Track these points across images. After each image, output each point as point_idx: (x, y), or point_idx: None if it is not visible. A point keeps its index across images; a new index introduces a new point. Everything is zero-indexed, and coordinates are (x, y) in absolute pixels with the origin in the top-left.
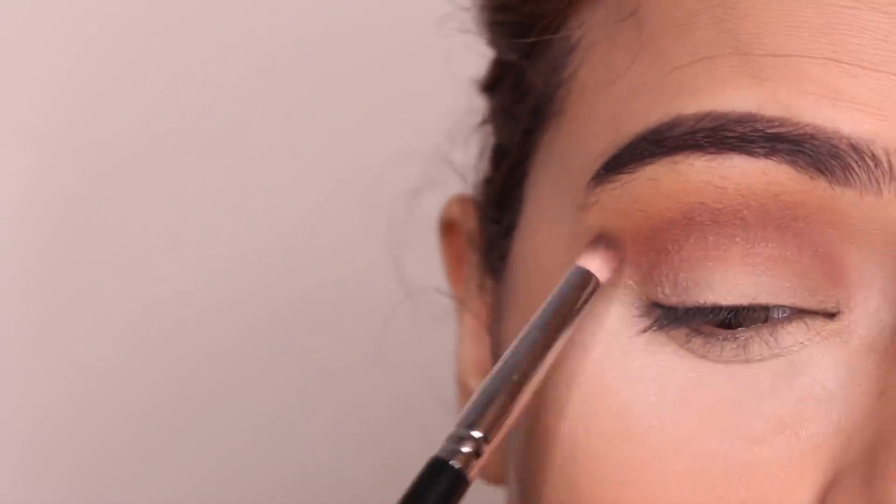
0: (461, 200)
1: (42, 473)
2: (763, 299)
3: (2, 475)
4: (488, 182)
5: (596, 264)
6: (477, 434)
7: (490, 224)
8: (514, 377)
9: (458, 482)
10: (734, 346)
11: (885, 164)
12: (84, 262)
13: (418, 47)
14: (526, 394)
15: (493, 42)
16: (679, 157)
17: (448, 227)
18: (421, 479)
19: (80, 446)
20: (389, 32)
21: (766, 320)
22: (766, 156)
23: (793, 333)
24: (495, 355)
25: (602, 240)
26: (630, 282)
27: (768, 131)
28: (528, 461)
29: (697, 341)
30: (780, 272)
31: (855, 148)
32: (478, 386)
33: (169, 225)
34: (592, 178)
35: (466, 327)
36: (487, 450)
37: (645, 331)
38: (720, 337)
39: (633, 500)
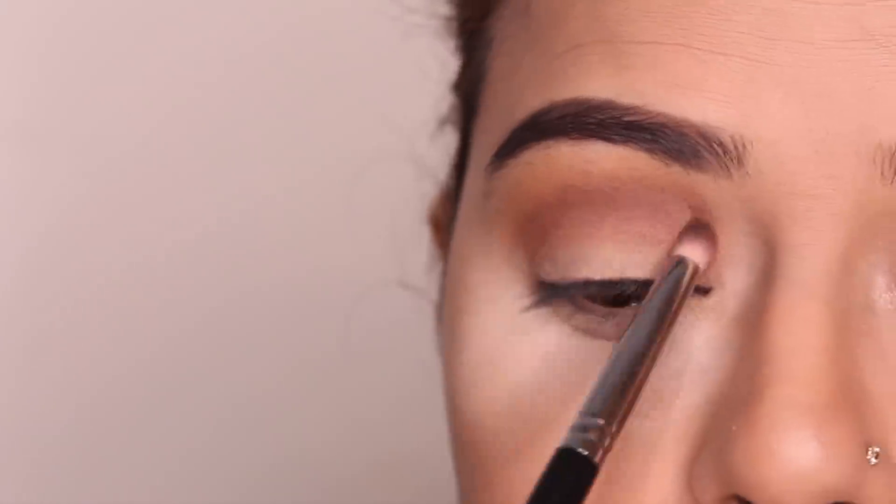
0: (443, 196)
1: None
2: (632, 273)
3: None
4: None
5: (697, 253)
6: (601, 421)
7: (452, 220)
8: (635, 367)
9: (588, 469)
10: (613, 322)
11: (733, 150)
12: (69, 259)
13: (397, 45)
14: (643, 382)
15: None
16: (550, 142)
17: (435, 224)
18: (552, 469)
19: (43, 438)
20: (370, 30)
21: (641, 298)
22: (624, 143)
23: None
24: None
25: (702, 226)
26: (520, 261)
27: (624, 119)
28: (452, 440)
29: (580, 318)
30: (651, 249)
31: (703, 136)
32: None
33: (146, 217)
34: (488, 165)
35: None
36: (614, 439)
37: (531, 307)
38: (599, 313)
39: (527, 473)
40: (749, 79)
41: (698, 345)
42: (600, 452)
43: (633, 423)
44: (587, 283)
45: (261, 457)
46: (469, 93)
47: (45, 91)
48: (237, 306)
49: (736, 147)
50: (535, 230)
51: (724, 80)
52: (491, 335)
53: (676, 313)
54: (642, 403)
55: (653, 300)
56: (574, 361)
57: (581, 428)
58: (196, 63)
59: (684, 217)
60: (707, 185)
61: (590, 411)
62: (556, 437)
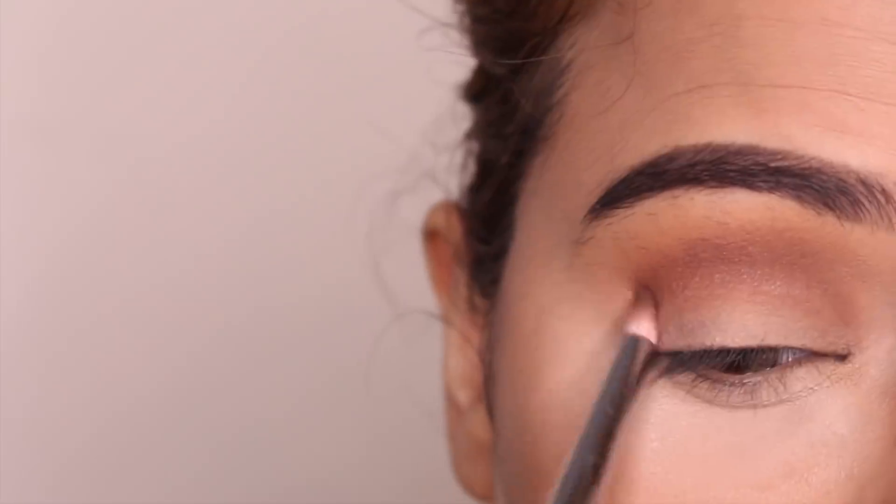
0: (446, 209)
1: (26, 472)
2: (772, 340)
3: None
4: (474, 194)
5: (645, 327)
6: None
7: (478, 243)
8: (590, 458)
9: None
10: (741, 391)
11: None
12: (80, 263)
13: (399, 51)
14: (606, 472)
15: (477, 54)
16: (679, 191)
17: (432, 236)
18: None
19: (65, 446)
20: (371, 38)
21: (774, 364)
22: (770, 190)
23: (802, 378)
24: (487, 384)
25: (643, 298)
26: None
27: (771, 164)
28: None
29: (704, 386)
30: (790, 312)
31: (864, 182)
32: (466, 399)
33: (152, 230)
34: (588, 213)
35: (453, 339)
36: None
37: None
38: (727, 382)
39: None
40: None
41: (834, 415)
42: None
43: (755, 496)
44: (723, 352)
45: (279, 471)
46: (530, 120)
47: (63, 93)
48: (257, 320)
49: None
50: (654, 288)
51: (885, 127)
52: (590, 396)
53: (631, 397)
54: (766, 475)
55: (606, 387)
56: (693, 432)
57: None
58: (191, 76)
59: (827, 274)
60: (861, 237)
61: None
62: None
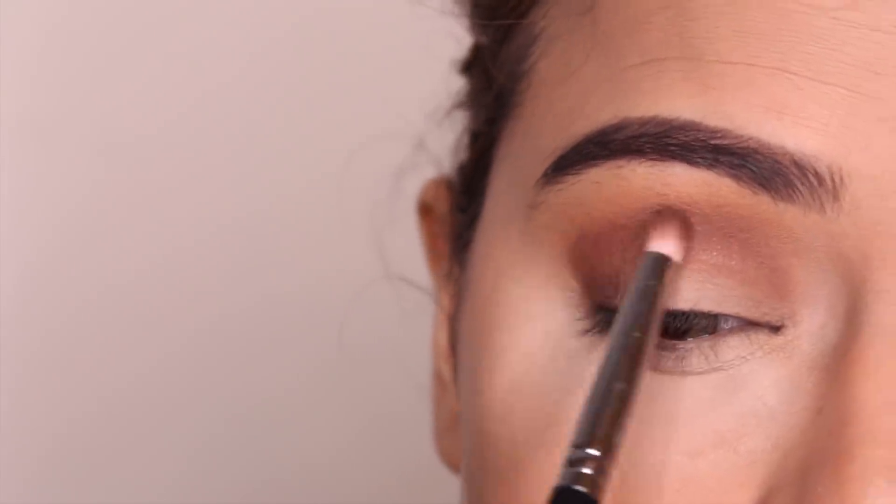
0: (436, 183)
1: (5, 470)
2: (705, 306)
3: None
4: (461, 168)
5: (670, 245)
6: (594, 452)
7: (459, 213)
8: (619, 385)
9: None
10: (674, 356)
11: (829, 182)
12: (71, 256)
13: (399, 27)
14: (634, 399)
15: (469, 24)
16: (622, 162)
17: (424, 211)
18: None
19: (48, 442)
20: (370, 13)
21: (713, 331)
22: (709, 167)
23: (735, 347)
24: (452, 347)
25: (673, 218)
26: (575, 283)
27: (711, 142)
28: (473, 463)
29: None
30: (725, 280)
31: (798, 165)
32: (449, 373)
33: (144, 212)
34: (541, 177)
35: (441, 313)
36: (611, 467)
37: (586, 332)
38: (660, 347)
39: None
40: (851, 110)
41: (766, 385)
42: (600, 487)
43: (685, 462)
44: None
45: (265, 463)
46: (504, 88)
47: (53, 89)
48: (243, 311)
49: (833, 179)
50: (594, 250)
51: (823, 108)
52: (533, 356)
53: (657, 318)
54: (696, 442)
55: (632, 305)
56: None
57: (574, 461)
58: (192, 51)
59: (763, 248)
60: (795, 216)
61: (582, 442)
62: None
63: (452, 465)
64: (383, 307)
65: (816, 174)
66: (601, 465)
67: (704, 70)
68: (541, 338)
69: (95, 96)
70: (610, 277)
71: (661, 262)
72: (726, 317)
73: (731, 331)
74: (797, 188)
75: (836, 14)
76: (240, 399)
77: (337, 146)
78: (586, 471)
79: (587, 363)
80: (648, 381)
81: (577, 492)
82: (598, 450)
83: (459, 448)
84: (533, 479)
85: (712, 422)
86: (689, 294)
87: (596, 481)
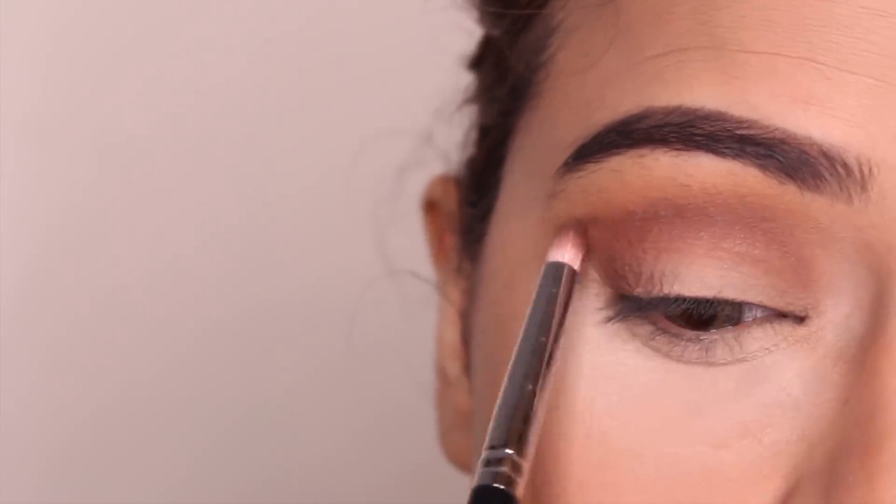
0: (443, 180)
1: (10, 471)
2: (729, 294)
3: None
4: (470, 163)
5: (568, 254)
6: (509, 451)
7: (469, 207)
8: (529, 386)
9: (509, 502)
10: (698, 347)
11: (857, 173)
12: (72, 257)
13: (406, 23)
14: (543, 400)
15: (480, 16)
16: (645, 151)
17: (430, 208)
18: None
19: (54, 442)
20: (376, 8)
21: (736, 322)
22: (734, 157)
23: (759, 339)
24: (465, 342)
25: (569, 229)
26: (594, 273)
27: (737, 132)
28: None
29: (661, 339)
30: (749, 269)
31: (826, 155)
32: (455, 371)
33: (146, 212)
34: (561, 166)
35: (446, 310)
36: (525, 465)
37: (608, 321)
38: (685, 337)
39: (591, 500)
40: (878, 101)
41: (790, 376)
42: (517, 483)
43: (709, 453)
44: (678, 300)
45: (271, 463)
46: (520, 80)
47: (54, 90)
48: (246, 311)
49: (861, 170)
50: (615, 239)
51: (850, 98)
52: (563, 352)
53: (561, 322)
54: (720, 433)
55: (532, 313)
56: (652, 387)
57: (491, 461)
58: (197, 48)
59: (787, 238)
60: (821, 207)
61: (496, 443)
62: (628, 466)
63: (459, 462)
64: (386, 306)
65: (845, 165)
66: (517, 464)
67: (728, 60)
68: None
69: (97, 96)
70: (630, 266)
71: (559, 269)
72: (750, 305)
73: (755, 321)
74: (825, 179)
75: (860, 3)
76: (244, 399)
77: (341, 143)
78: (503, 469)
79: (607, 351)
80: (673, 372)
81: (497, 489)
82: (513, 449)
83: (466, 446)
84: (550, 470)
85: (736, 413)
86: (713, 282)
87: (512, 479)
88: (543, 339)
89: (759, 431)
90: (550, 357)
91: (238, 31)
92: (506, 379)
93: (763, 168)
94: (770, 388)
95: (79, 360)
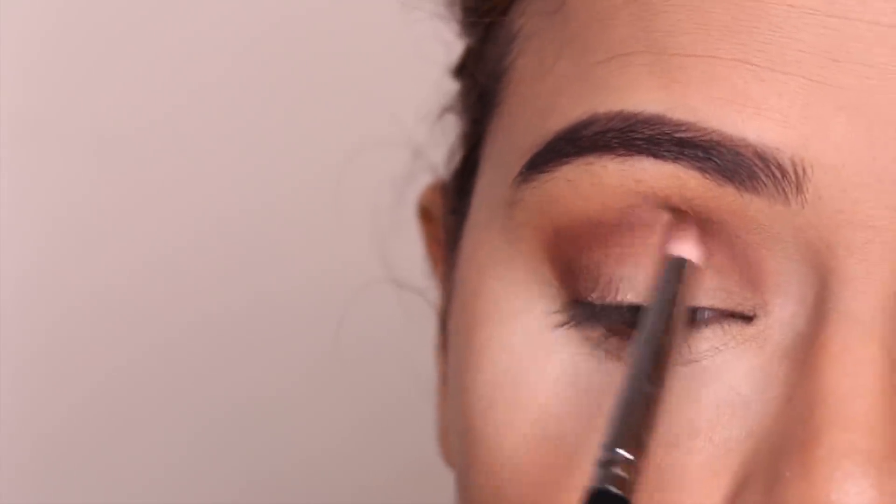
0: (433, 188)
1: (2, 467)
2: None
3: None
4: (454, 171)
5: (688, 249)
6: (627, 455)
7: (451, 214)
8: (648, 388)
9: None
10: None
11: (792, 174)
12: (64, 255)
13: (394, 31)
14: (662, 401)
15: (458, 26)
16: (592, 158)
17: (424, 216)
18: None
19: (41, 436)
20: (368, 16)
21: (688, 323)
22: (674, 160)
23: (709, 339)
24: (443, 347)
25: (692, 222)
26: (553, 279)
27: (676, 135)
28: (461, 460)
29: (613, 342)
30: (700, 272)
31: (761, 157)
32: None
33: (142, 211)
34: (518, 175)
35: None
36: (641, 467)
37: (561, 325)
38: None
39: (541, 499)
40: (810, 100)
41: (738, 375)
42: (631, 488)
43: (662, 453)
44: (632, 308)
45: (257, 459)
46: (486, 87)
47: (50, 88)
48: (236, 307)
49: (795, 171)
50: (572, 246)
51: (783, 99)
52: (513, 351)
53: (681, 319)
54: (673, 433)
55: (655, 309)
56: (604, 388)
57: (607, 463)
58: (191, 54)
59: (733, 240)
60: (760, 208)
61: (614, 444)
62: (585, 467)
63: (453, 464)
64: (384, 306)
65: (779, 166)
66: (632, 467)
67: (668, 64)
68: (520, 333)
69: (93, 94)
70: (589, 271)
71: (682, 265)
72: (701, 309)
73: (706, 322)
74: (761, 180)
75: (791, 2)
76: (236, 397)
77: (333, 146)
78: (619, 472)
79: (564, 356)
80: (620, 373)
81: (611, 493)
82: (630, 452)
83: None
84: (515, 474)
85: (687, 412)
86: None
87: (627, 483)
88: (664, 337)
89: (709, 430)
90: (670, 356)
91: (236, 31)
92: (625, 377)
93: (702, 171)
94: (720, 387)
95: (72, 355)
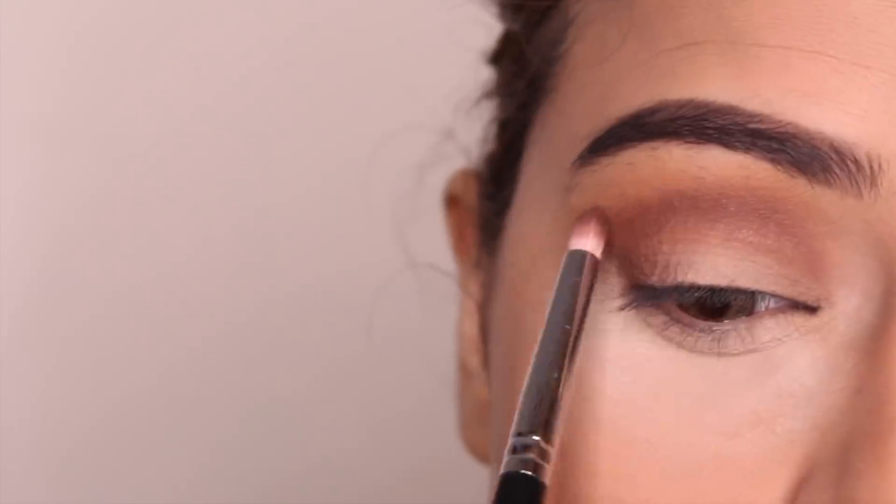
0: (464, 175)
1: (25, 470)
2: (742, 283)
3: None
4: (490, 157)
5: (591, 243)
6: (536, 438)
7: (488, 201)
8: (554, 373)
9: (536, 488)
10: (710, 338)
11: (867, 169)
12: (81, 258)
13: (425, 18)
14: (568, 387)
15: (499, 10)
16: (658, 144)
17: (452, 202)
18: (499, 498)
19: (64, 443)
20: (396, 3)
21: (749, 313)
22: (745, 150)
23: (771, 329)
24: (484, 334)
25: (590, 216)
26: (609, 264)
27: (748, 126)
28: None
29: (674, 329)
30: (762, 259)
31: (837, 151)
32: (476, 364)
33: (163, 210)
34: (576, 160)
35: (467, 304)
36: (552, 451)
37: (621, 309)
38: (697, 328)
39: (605, 490)
40: (890, 94)
41: (802, 366)
42: (544, 470)
43: (722, 442)
44: (692, 289)
45: (284, 460)
46: (538, 73)
47: (62, 94)
48: (258, 309)
49: (871, 166)
50: (630, 231)
51: (863, 93)
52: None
53: (584, 311)
54: (733, 422)
55: (560, 299)
56: (664, 376)
57: (518, 448)
58: (215, 42)
59: (799, 230)
60: (831, 201)
61: (523, 430)
62: (641, 456)
63: (479, 455)
64: (405, 301)
65: (855, 160)
66: (544, 450)
67: (742, 54)
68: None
69: (106, 99)
70: (646, 256)
71: (582, 257)
72: (763, 295)
73: (768, 312)
74: (835, 173)
75: None
76: (258, 397)
77: (358, 139)
78: (530, 456)
79: (620, 340)
80: (685, 362)
81: (525, 476)
82: (540, 435)
83: (487, 438)
84: (567, 458)
85: (749, 402)
86: (727, 271)
87: (540, 465)
88: (567, 326)
89: (771, 421)
90: (575, 344)
91: (255, 26)
92: (531, 367)
93: (774, 162)
94: (782, 378)
95: (94, 360)
